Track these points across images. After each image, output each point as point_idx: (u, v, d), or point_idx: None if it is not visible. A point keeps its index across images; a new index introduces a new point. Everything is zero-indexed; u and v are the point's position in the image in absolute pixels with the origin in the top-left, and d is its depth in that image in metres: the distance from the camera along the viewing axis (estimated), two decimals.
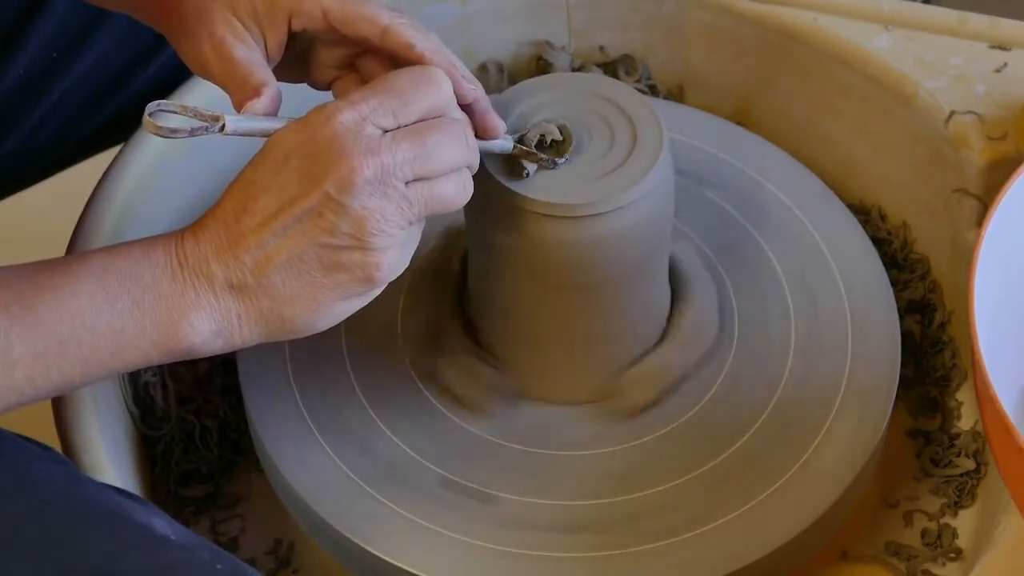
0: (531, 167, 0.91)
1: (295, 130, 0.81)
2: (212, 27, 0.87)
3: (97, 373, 0.81)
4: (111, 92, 1.12)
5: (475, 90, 0.87)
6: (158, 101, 0.80)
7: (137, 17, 0.95)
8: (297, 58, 0.91)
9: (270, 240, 0.80)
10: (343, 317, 0.84)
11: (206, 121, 0.80)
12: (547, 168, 0.91)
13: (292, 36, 0.89)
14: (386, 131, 0.81)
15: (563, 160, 0.91)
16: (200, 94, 1.07)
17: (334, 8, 0.87)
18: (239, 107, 0.85)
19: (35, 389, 0.79)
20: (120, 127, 1.11)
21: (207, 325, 0.81)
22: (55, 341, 0.79)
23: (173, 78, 1.10)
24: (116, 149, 1.07)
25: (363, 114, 0.81)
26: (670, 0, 1.18)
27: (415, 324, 1.02)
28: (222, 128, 0.80)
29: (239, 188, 0.82)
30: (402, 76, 0.83)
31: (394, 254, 0.82)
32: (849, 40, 1.12)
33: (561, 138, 0.92)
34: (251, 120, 0.82)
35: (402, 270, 0.83)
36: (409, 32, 0.87)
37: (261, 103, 0.85)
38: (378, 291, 0.84)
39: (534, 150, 0.91)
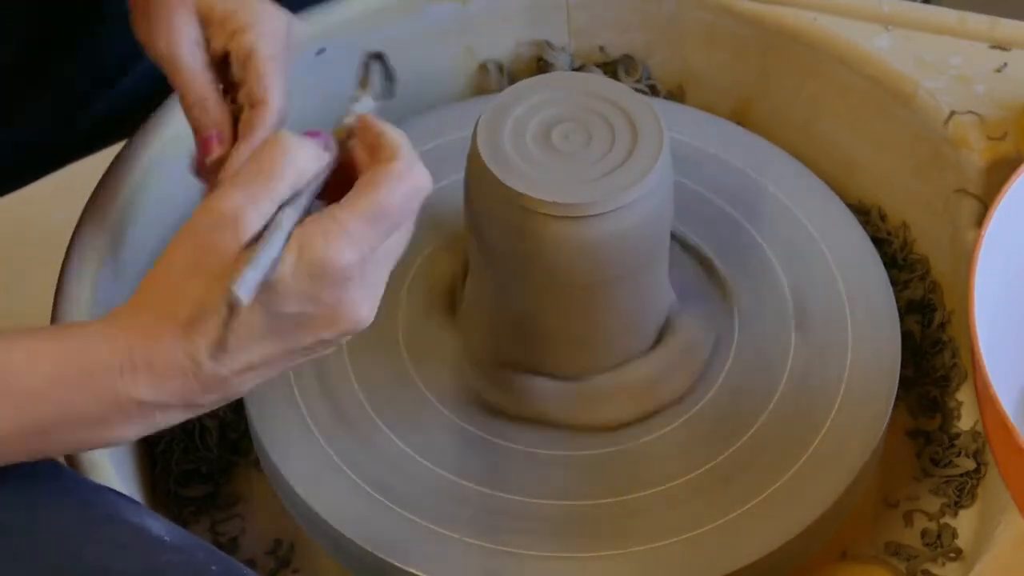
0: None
1: (298, 282, 0.73)
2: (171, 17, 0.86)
3: None
4: (108, 88, 1.12)
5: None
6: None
7: None
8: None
9: (249, 376, 0.75)
10: None
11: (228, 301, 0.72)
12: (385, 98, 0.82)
13: None
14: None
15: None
16: None
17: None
18: (200, 144, 0.85)
19: None
20: (119, 124, 1.11)
21: (134, 432, 0.77)
22: None
23: None
24: (116, 149, 1.07)
25: (364, 252, 0.73)
26: (670, 0, 1.18)
27: (415, 323, 1.02)
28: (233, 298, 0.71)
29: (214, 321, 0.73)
30: (395, 194, 0.74)
31: None
32: (849, 40, 1.12)
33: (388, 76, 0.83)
34: (257, 272, 0.71)
35: None
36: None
37: (216, 152, 0.85)
38: None
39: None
